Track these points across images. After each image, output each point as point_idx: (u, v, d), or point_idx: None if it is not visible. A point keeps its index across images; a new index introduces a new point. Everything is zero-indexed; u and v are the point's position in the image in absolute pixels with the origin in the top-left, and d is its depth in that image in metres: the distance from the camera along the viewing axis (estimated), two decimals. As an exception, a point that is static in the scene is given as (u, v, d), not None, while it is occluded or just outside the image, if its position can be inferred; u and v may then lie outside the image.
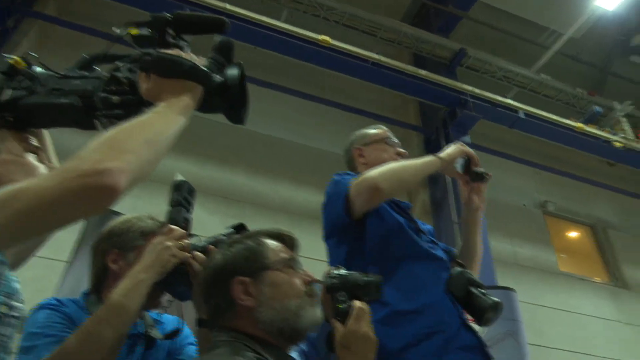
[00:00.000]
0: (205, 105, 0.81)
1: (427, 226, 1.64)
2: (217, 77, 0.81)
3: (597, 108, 5.79)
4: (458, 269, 1.43)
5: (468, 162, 1.54)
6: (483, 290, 1.38)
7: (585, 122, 5.77)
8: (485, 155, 5.89)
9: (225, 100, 0.81)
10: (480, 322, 1.37)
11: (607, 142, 5.68)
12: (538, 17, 6.16)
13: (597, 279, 6.29)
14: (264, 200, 4.57)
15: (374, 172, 1.42)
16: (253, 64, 4.68)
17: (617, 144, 5.59)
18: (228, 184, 4.58)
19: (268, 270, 0.99)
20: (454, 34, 6.22)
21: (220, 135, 4.58)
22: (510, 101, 5.70)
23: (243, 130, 4.61)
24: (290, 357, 0.99)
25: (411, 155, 1.63)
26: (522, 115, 5.68)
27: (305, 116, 5.24)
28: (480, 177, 1.56)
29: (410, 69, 5.32)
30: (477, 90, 5.60)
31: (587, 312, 5.86)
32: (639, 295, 5.73)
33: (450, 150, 1.52)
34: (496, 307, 1.36)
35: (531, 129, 5.91)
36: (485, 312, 1.36)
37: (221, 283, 0.97)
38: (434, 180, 5.12)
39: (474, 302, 1.36)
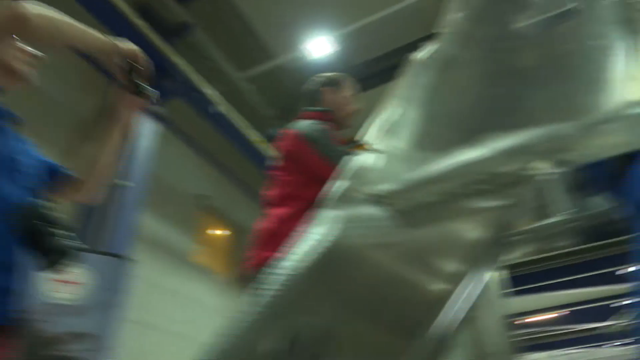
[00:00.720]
0: None
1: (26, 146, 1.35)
2: None
3: (273, 130, 6.55)
4: (34, 200, 1.23)
5: (138, 71, 1.30)
6: (61, 231, 1.21)
7: (265, 140, 6.43)
8: (170, 135, 5.87)
9: None
10: (42, 264, 1.21)
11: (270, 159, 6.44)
12: (266, 33, 6.56)
13: (220, 273, 6.99)
14: None
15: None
16: None
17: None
18: None
19: None
20: (193, 7, 6.05)
21: None
22: (208, 91, 5.85)
23: None
24: None
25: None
26: (215, 110, 5.91)
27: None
28: (142, 94, 1.32)
29: (129, 12, 4.86)
30: (186, 69, 5.56)
31: (204, 300, 6.45)
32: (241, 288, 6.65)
33: (128, 44, 1.27)
34: (64, 253, 1.22)
35: (221, 128, 6.22)
36: (47, 255, 1.20)
37: None
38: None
39: (40, 240, 1.19)
